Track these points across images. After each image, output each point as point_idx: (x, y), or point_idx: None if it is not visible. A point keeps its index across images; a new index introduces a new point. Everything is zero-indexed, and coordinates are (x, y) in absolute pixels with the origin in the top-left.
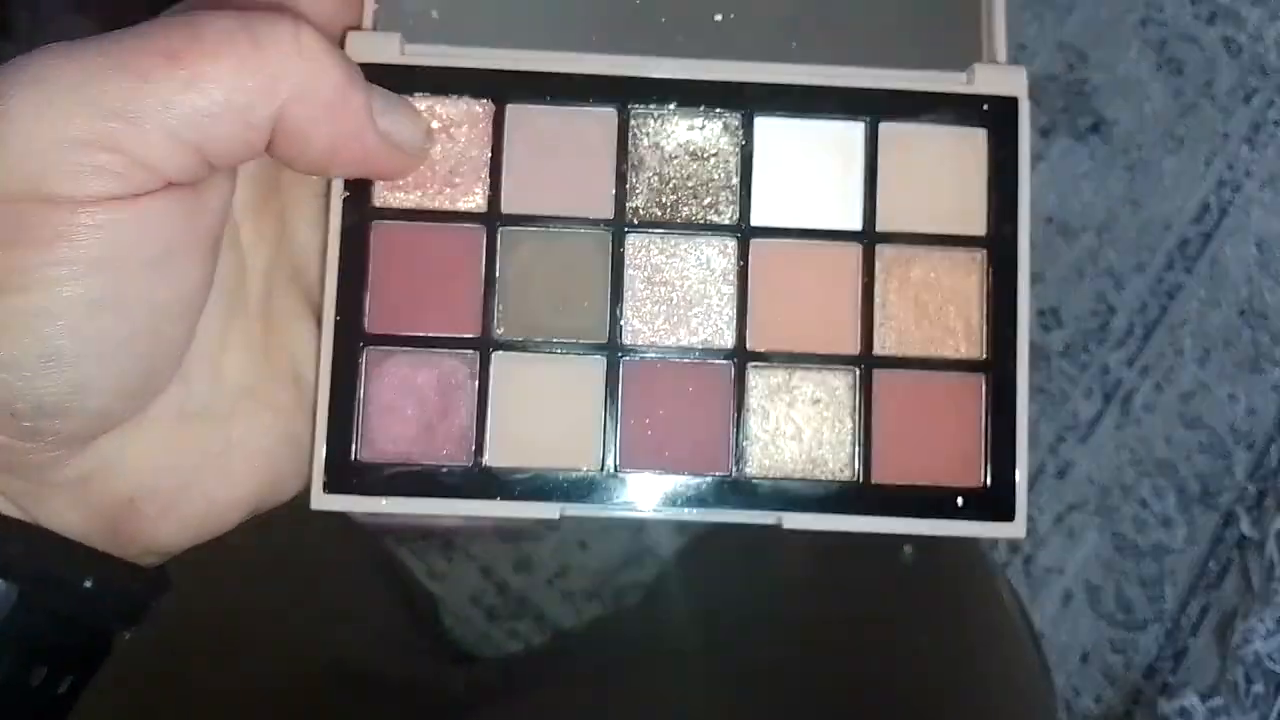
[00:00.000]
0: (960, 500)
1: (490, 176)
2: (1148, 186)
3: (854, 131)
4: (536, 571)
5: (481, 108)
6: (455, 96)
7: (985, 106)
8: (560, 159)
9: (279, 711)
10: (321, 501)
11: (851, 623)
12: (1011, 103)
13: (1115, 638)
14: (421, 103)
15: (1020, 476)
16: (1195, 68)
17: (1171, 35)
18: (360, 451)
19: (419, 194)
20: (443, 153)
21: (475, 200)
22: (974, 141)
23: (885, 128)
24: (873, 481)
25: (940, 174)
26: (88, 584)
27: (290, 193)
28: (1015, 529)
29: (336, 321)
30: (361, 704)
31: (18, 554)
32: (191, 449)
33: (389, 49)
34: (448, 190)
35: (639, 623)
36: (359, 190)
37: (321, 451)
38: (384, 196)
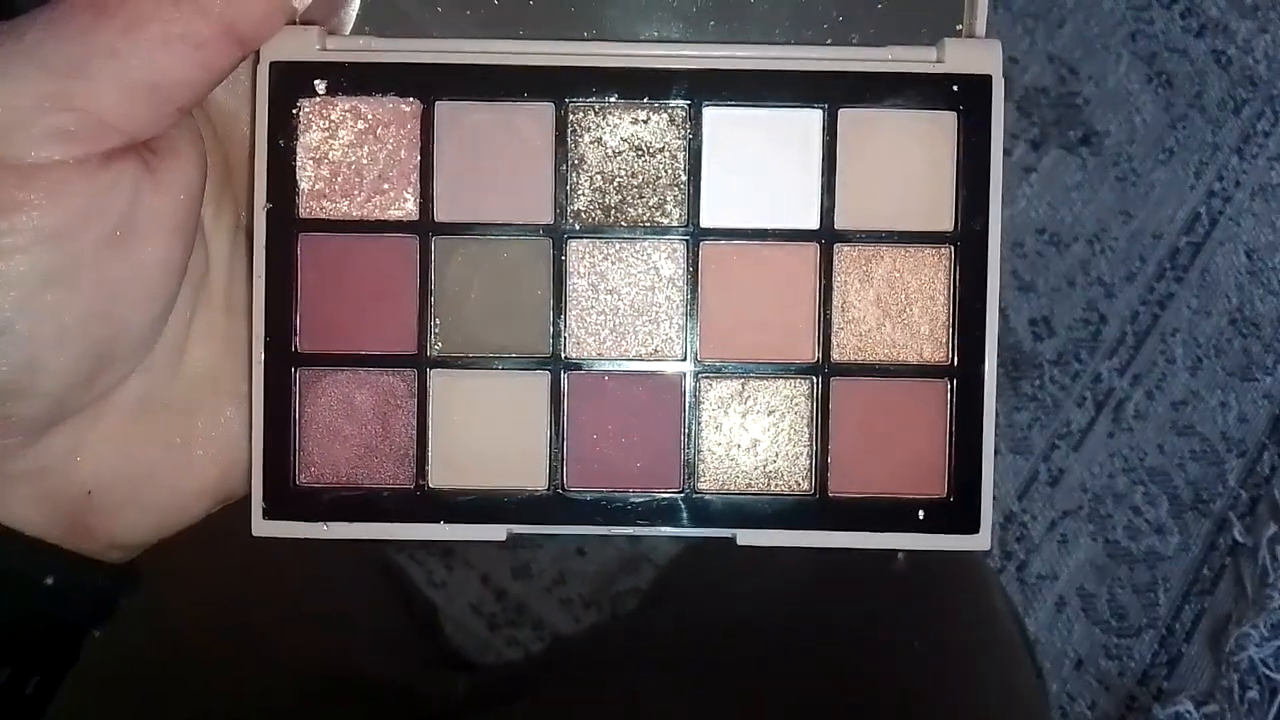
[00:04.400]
0: (921, 513)
1: (421, 181)
2: (1138, 197)
3: (811, 120)
4: (535, 579)
5: (409, 107)
6: (380, 95)
7: (955, 87)
8: (495, 160)
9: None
10: (262, 528)
11: (845, 629)
12: (985, 82)
13: (1109, 644)
14: (344, 103)
15: (985, 486)
16: (1185, 80)
17: (1161, 48)
18: (299, 476)
19: (346, 203)
20: (370, 156)
21: (406, 208)
22: (943, 126)
23: (845, 114)
24: (830, 494)
25: (905, 164)
26: (49, 581)
27: (244, 178)
28: (980, 541)
29: (266, 342)
30: (361, 712)
31: None
32: (152, 441)
33: (306, 45)
34: (376, 198)
35: (637, 629)
36: (283, 201)
37: (259, 477)
38: (310, 207)
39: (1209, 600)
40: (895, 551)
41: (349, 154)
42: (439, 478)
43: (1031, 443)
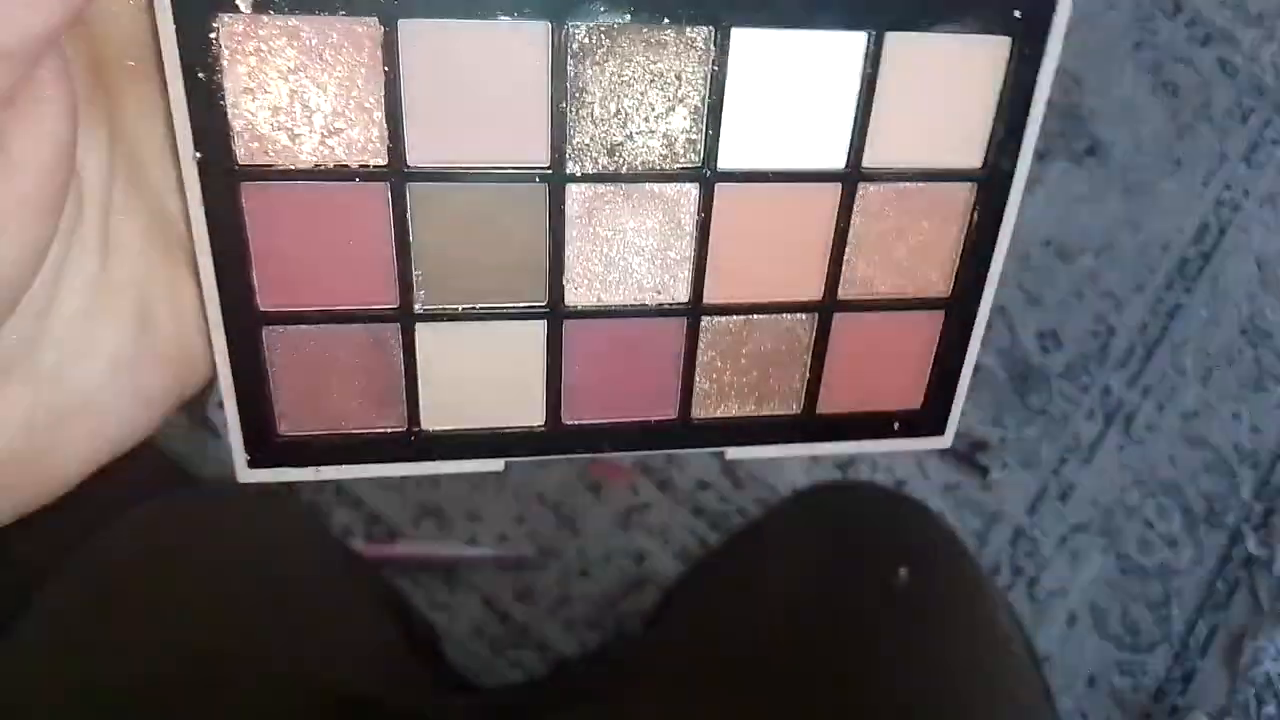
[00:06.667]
0: (896, 424)
1: (388, 120)
2: (1146, 207)
3: (853, 46)
4: (538, 601)
5: (364, 28)
6: (327, 14)
7: (1018, 12)
8: (477, 92)
9: None
10: (247, 475)
11: (847, 649)
12: (1049, 6)
13: (1122, 660)
14: (278, 22)
15: (959, 395)
16: (1191, 89)
17: (1166, 58)
18: (281, 426)
19: (295, 145)
20: (319, 88)
21: (370, 149)
22: (992, 55)
23: (892, 40)
24: (817, 413)
25: (943, 96)
26: None
27: (119, 79)
28: (942, 441)
29: (223, 305)
30: None
31: None
32: (14, 407)
33: None
34: (332, 139)
35: (640, 649)
36: (215, 148)
37: (238, 436)
38: (250, 150)
39: (1223, 614)
40: (898, 570)
41: (291, 86)
42: (431, 421)
43: (1041, 457)
